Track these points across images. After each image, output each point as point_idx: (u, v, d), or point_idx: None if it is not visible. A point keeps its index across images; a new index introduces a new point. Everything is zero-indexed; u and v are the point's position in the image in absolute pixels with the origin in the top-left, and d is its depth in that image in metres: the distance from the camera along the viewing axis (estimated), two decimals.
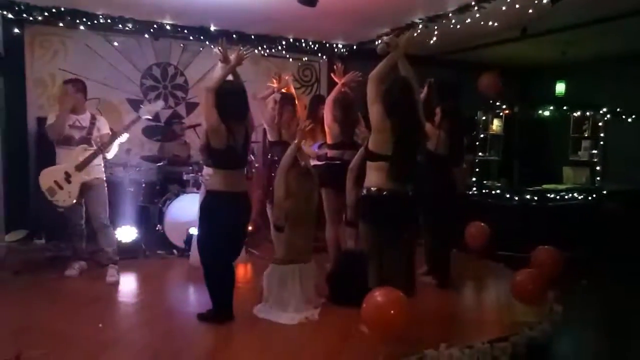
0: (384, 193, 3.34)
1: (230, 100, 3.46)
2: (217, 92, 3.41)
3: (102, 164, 4.66)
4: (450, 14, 5.34)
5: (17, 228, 5.80)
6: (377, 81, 3.38)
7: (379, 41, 3.67)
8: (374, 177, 3.38)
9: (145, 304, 4.11)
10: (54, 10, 5.64)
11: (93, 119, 4.59)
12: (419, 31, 5.76)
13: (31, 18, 5.72)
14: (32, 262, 4.92)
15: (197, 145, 5.76)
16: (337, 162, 4.55)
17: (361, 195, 3.51)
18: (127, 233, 5.30)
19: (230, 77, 3.62)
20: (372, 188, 3.38)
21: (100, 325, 3.54)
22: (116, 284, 4.53)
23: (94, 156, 4.44)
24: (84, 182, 4.44)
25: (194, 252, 4.62)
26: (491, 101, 7.06)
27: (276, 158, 4.89)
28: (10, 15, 5.65)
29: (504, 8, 4.91)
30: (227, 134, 3.42)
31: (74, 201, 4.44)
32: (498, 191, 6.72)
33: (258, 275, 4.11)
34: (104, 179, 4.68)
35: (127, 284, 4.72)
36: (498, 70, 5.92)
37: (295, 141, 3.87)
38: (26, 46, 6.06)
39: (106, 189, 4.69)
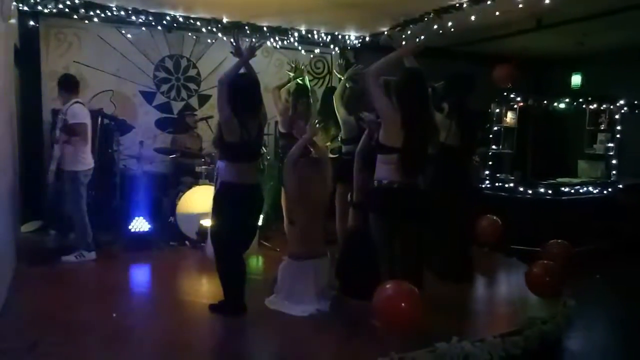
0: (395, 186, 3.32)
1: (244, 93, 3.45)
2: (230, 85, 3.39)
3: (77, 155, 4.64)
4: (464, 5, 5.27)
5: (33, 219, 5.89)
6: (374, 78, 3.32)
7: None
8: (385, 170, 3.36)
9: (157, 294, 4.16)
10: (68, 2, 5.68)
11: (66, 110, 4.65)
12: (434, 25, 5.71)
13: (46, 10, 5.77)
14: (47, 252, 4.98)
15: (209, 137, 5.78)
16: (350, 157, 4.53)
17: (372, 187, 3.49)
18: (140, 224, 5.34)
19: (243, 70, 3.62)
20: (383, 181, 3.36)
21: (114, 315, 3.59)
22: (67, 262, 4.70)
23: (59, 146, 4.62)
24: (55, 169, 4.65)
25: (209, 244, 4.64)
26: (505, 93, 6.98)
27: (287, 150, 4.90)
28: (25, 8, 5.69)
29: None
30: (241, 128, 3.41)
31: (52, 182, 4.80)
32: (511, 184, 6.66)
33: (270, 267, 4.13)
34: (76, 170, 4.66)
35: (140, 275, 4.79)
36: (513, 61, 5.82)
37: (306, 135, 3.85)
38: (41, 39, 6.13)
39: (77, 180, 4.67)
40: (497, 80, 5.71)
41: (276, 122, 6.24)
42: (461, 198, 4.46)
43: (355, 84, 4.77)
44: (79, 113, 4.61)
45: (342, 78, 4.77)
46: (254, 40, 3.65)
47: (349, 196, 4.38)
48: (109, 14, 5.91)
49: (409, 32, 6.16)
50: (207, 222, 5.13)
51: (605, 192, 6.79)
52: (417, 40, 3.83)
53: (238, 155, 3.51)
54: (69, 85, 4.76)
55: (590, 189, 6.71)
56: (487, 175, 6.90)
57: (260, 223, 4.61)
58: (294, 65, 5.24)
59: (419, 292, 3.18)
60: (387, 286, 3.13)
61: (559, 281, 3.98)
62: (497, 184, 6.76)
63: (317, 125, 3.99)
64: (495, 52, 7.64)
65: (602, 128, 7.39)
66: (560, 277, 3.97)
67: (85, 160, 4.72)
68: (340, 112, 4.62)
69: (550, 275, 3.92)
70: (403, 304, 3.04)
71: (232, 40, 3.58)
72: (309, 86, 5.26)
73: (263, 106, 3.66)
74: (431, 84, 4.25)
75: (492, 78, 5.78)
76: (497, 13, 5.26)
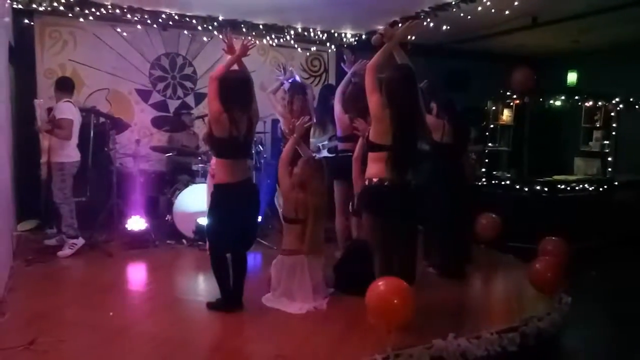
0: (385, 184, 3.31)
1: (234, 89, 3.44)
2: (221, 81, 3.40)
3: (63, 148, 4.86)
4: (459, 2, 5.28)
5: (29, 218, 5.87)
6: (374, 71, 3.32)
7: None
8: (375, 168, 3.35)
9: (155, 292, 4.15)
10: (63, 0, 5.65)
11: (56, 106, 4.99)
12: (427, 20, 5.71)
13: (41, 8, 5.74)
14: (43, 251, 4.97)
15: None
16: (348, 154, 4.53)
17: (363, 186, 3.49)
18: (136, 223, 5.34)
19: (235, 67, 3.61)
20: (373, 179, 3.35)
21: (111, 313, 3.58)
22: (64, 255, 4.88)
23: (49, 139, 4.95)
24: (46, 162, 4.98)
25: None
26: (501, 91, 7.00)
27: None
28: (20, 6, 5.67)
29: None
30: (230, 124, 3.40)
31: (45, 177, 5.08)
32: (508, 182, 6.67)
33: (267, 265, 4.13)
34: (62, 162, 4.87)
35: (137, 273, 4.78)
36: (531, 67, 5.84)
37: (295, 134, 3.85)
38: (36, 37, 6.10)
39: (64, 171, 4.86)
40: (517, 85, 5.69)
41: (273, 121, 6.26)
42: (459, 195, 4.47)
43: (360, 79, 4.77)
44: (65, 109, 4.90)
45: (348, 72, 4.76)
46: (248, 38, 3.66)
47: (350, 205, 4.39)
48: (104, 12, 5.88)
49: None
50: (203, 220, 5.13)
51: (601, 189, 6.81)
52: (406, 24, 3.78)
53: (227, 151, 3.51)
54: (63, 86, 5.06)
55: (586, 186, 6.74)
56: (483, 172, 6.92)
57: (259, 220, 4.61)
58: (282, 68, 5.25)
59: (416, 288, 3.19)
60: (379, 283, 3.13)
61: (561, 277, 3.99)
62: (493, 182, 6.77)
63: (307, 124, 3.99)
64: (491, 49, 7.66)
65: (597, 125, 7.40)
66: (562, 273, 3.99)
67: (71, 153, 4.95)
68: (336, 108, 4.62)
69: (552, 272, 3.94)
70: (395, 301, 3.04)
71: (223, 38, 3.59)
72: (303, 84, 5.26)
73: (255, 103, 3.64)
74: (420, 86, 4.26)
75: (512, 83, 5.77)
76: (493, 10, 5.28)
